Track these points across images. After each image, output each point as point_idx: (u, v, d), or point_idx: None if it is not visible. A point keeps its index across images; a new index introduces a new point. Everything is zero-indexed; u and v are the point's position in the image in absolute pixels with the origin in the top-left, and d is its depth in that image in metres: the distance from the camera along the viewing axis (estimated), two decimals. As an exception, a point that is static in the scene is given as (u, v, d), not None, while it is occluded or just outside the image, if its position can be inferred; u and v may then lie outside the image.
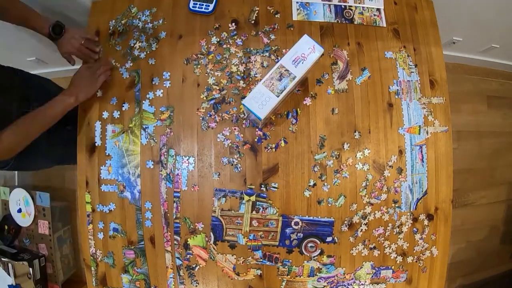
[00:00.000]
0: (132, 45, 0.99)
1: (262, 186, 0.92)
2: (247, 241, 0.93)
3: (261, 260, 0.94)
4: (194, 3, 0.98)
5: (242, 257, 0.93)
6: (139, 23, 1.01)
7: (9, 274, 1.26)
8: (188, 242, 0.93)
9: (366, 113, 0.96)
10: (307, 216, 0.93)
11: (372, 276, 0.97)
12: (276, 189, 0.92)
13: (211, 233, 0.93)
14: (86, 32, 0.97)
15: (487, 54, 1.79)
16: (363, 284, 0.97)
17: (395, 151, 0.96)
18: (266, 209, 0.92)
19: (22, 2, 0.86)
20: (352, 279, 0.96)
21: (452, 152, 0.99)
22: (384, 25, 1.01)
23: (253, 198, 0.92)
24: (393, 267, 0.97)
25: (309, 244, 0.94)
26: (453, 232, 1.02)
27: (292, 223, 0.93)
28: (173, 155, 0.94)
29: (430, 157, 0.97)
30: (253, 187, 0.92)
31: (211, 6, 0.97)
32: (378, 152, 0.95)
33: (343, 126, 0.95)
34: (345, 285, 0.96)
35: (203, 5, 0.98)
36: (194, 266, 0.94)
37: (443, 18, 1.04)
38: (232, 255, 0.93)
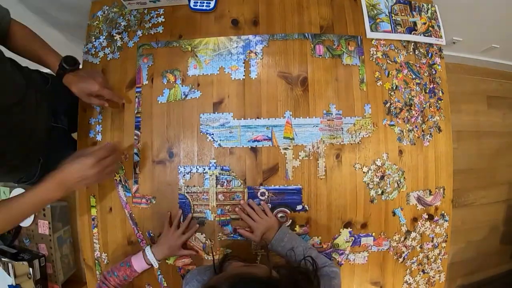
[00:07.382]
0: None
1: None
2: (215, 217, 0.91)
3: (232, 235, 0.91)
4: (195, 2, 0.98)
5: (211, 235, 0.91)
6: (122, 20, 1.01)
7: (9, 274, 1.25)
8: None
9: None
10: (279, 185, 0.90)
11: (352, 244, 0.93)
12: None
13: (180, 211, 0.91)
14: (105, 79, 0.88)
15: (487, 54, 1.79)
16: (343, 253, 0.93)
17: (395, 151, 0.96)
18: (230, 181, 0.91)
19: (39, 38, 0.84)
20: (331, 248, 0.92)
21: (452, 152, 0.99)
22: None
23: (216, 171, 0.91)
24: (374, 234, 0.93)
25: (279, 214, 0.91)
26: (453, 232, 1.02)
27: (259, 194, 0.90)
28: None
29: (431, 157, 0.97)
30: (215, 160, 0.91)
31: (212, 3, 0.97)
32: (378, 152, 0.95)
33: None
34: (324, 255, 0.87)
35: (204, 2, 0.98)
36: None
37: (443, 18, 1.04)
38: (201, 234, 0.91)
